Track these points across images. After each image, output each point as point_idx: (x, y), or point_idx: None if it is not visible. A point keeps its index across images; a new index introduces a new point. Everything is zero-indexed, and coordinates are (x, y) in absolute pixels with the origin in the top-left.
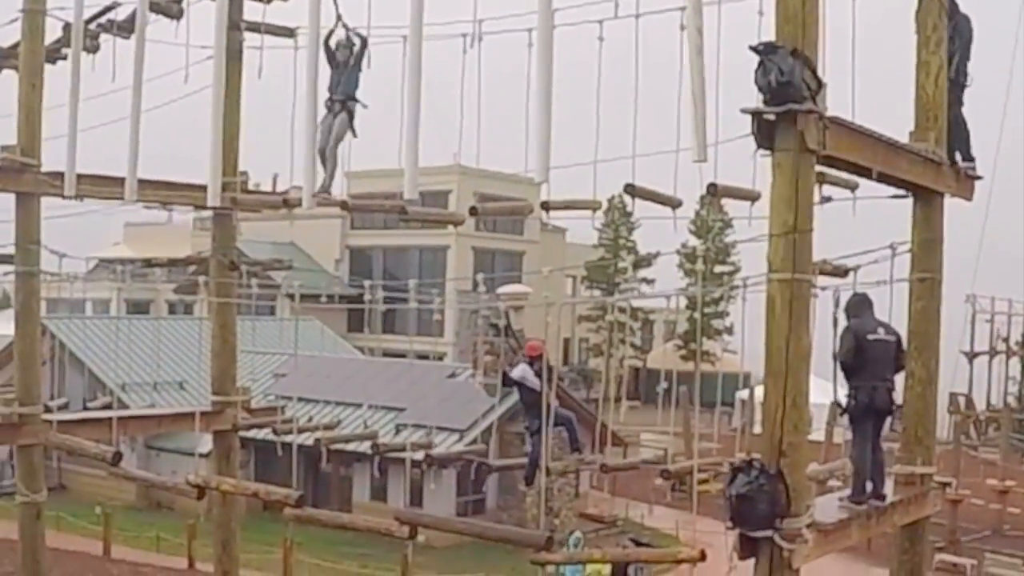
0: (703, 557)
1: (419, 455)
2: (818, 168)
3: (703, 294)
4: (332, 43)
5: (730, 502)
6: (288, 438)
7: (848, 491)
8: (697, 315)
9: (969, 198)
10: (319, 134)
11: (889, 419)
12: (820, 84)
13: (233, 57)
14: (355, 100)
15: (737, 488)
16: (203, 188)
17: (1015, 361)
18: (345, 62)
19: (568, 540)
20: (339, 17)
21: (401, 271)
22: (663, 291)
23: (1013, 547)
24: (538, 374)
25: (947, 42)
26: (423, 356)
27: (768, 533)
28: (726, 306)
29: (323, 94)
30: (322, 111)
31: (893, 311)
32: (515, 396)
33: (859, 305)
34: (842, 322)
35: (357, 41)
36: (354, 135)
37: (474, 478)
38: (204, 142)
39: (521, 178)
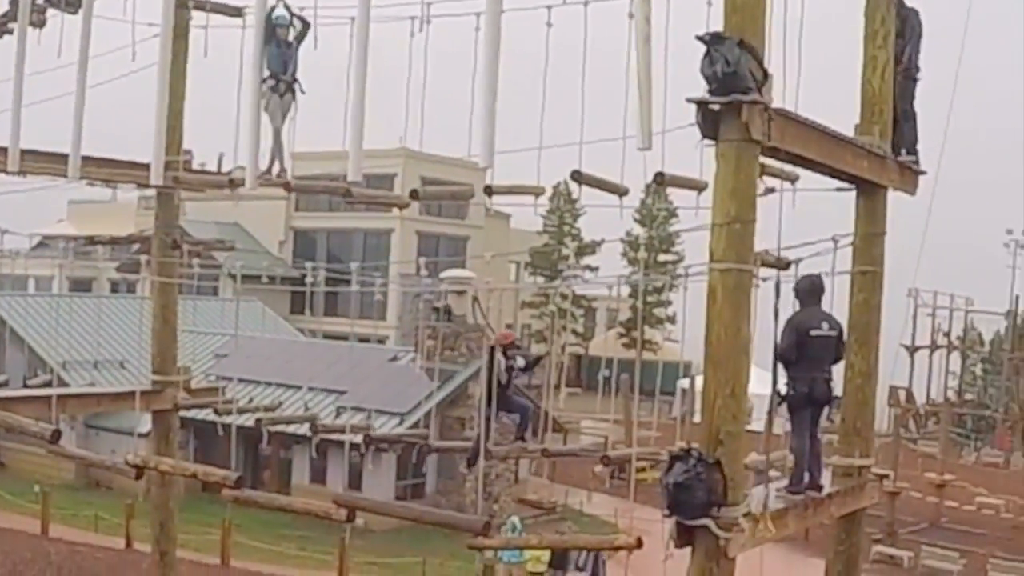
0: (640, 544)
1: (358, 437)
2: (761, 159)
3: (646, 283)
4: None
5: (667, 490)
6: (228, 419)
7: (786, 481)
8: (639, 303)
9: (912, 192)
10: (272, 115)
11: (827, 409)
12: (766, 75)
13: (179, 35)
14: (298, 82)
15: (675, 476)
16: (147, 167)
17: (956, 356)
18: (286, 41)
19: (506, 525)
20: None
21: (345, 254)
22: (606, 278)
23: (950, 540)
24: (508, 368)
25: (897, 36)
26: (365, 339)
27: (705, 522)
28: (669, 295)
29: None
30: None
31: (834, 303)
32: (456, 381)
33: (809, 292)
34: (783, 313)
35: (299, 24)
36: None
37: (415, 461)
38: (149, 120)
39: (467, 163)
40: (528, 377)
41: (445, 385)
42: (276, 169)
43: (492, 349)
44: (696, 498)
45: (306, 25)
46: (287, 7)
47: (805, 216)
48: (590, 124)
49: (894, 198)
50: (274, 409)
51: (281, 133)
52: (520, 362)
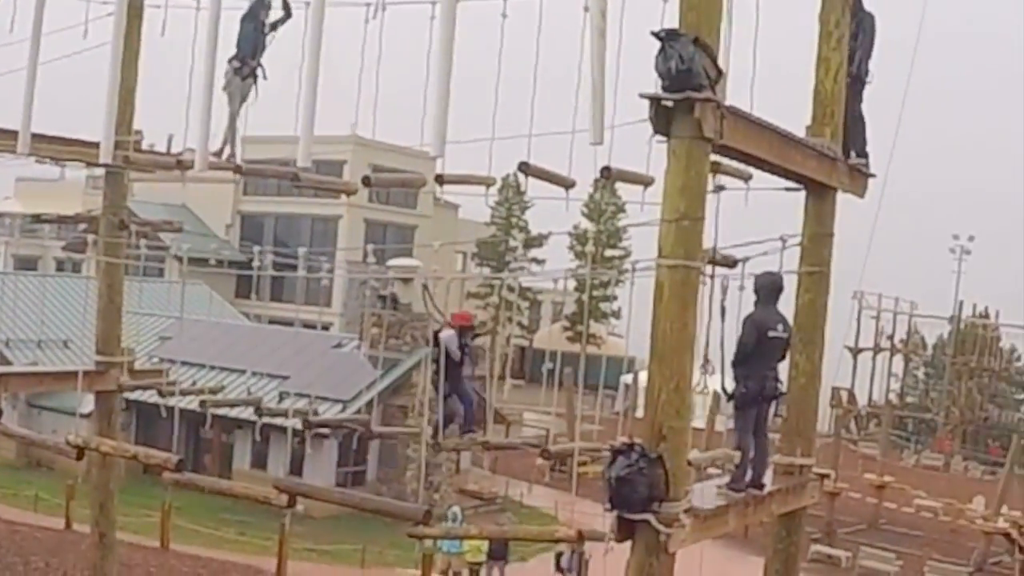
0: (580, 537)
1: (298, 422)
2: (713, 157)
3: (592, 277)
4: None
5: (609, 484)
6: (171, 401)
7: (727, 478)
8: (586, 297)
9: (861, 195)
10: (230, 98)
11: (774, 404)
12: (720, 73)
13: (134, 14)
14: (262, 67)
15: (617, 471)
16: (97, 145)
17: (899, 359)
18: (263, 23)
19: (447, 515)
20: None
21: (292, 239)
22: (553, 271)
23: (888, 541)
24: (463, 346)
25: (850, 39)
26: (310, 325)
27: (646, 516)
28: (614, 290)
29: (225, 53)
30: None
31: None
32: (400, 369)
33: (769, 290)
34: (730, 311)
35: (281, 10)
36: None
37: (356, 447)
38: (101, 98)
39: (417, 152)
40: (472, 368)
41: (389, 373)
42: (227, 152)
43: (436, 334)
44: (638, 493)
45: (288, 13)
46: None
47: (755, 215)
48: (544, 117)
49: (842, 200)
50: (217, 392)
51: (237, 117)
52: (472, 341)
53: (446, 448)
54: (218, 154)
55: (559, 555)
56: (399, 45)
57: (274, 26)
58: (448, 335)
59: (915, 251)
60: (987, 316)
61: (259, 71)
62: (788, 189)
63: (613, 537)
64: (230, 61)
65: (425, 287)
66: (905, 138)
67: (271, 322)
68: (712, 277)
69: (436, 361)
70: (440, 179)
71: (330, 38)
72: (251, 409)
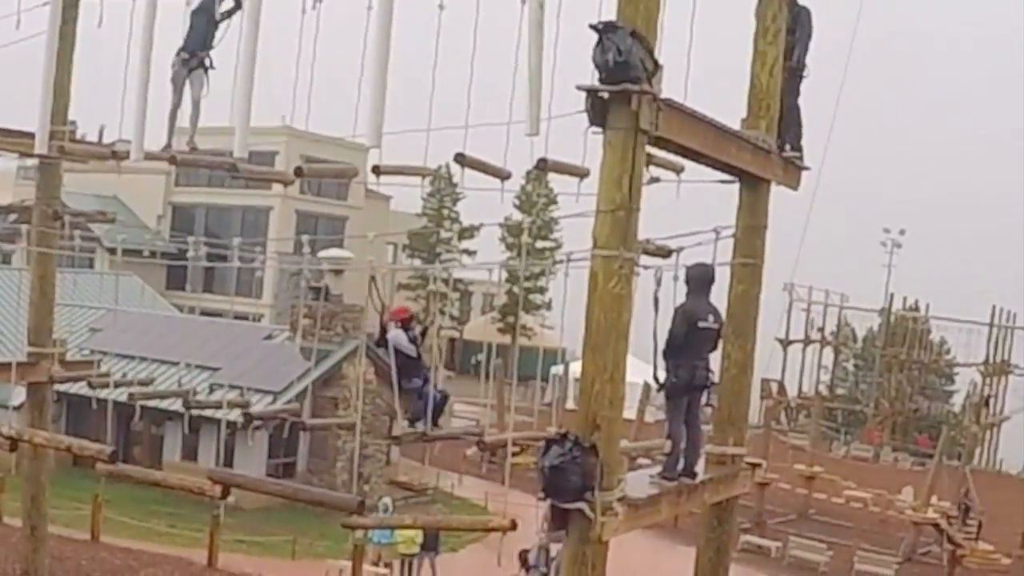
0: (514, 527)
1: (233, 414)
2: (648, 149)
3: (527, 267)
4: None
5: (543, 473)
6: (103, 393)
7: (659, 467)
8: (517, 289)
9: (795, 187)
10: (177, 90)
11: (705, 393)
12: (657, 66)
13: (70, 4)
14: (210, 58)
15: (550, 460)
16: (31, 135)
17: (829, 351)
18: (214, 15)
19: (377, 506)
20: None
21: (224, 230)
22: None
23: (818, 531)
24: (412, 338)
25: (788, 33)
26: (242, 317)
27: (579, 505)
28: (546, 281)
29: (167, 44)
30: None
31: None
32: (331, 360)
33: (699, 281)
34: (663, 303)
35: (231, 1)
36: None
37: (287, 436)
38: (34, 89)
39: (350, 144)
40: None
41: (320, 364)
42: (165, 143)
43: (383, 331)
44: (571, 481)
45: (238, 4)
46: None
47: (690, 207)
48: (482, 108)
49: (777, 193)
50: (148, 384)
51: (179, 108)
52: (418, 329)
53: (406, 442)
54: (168, 147)
55: (524, 552)
56: (334, 35)
57: (226, 15)
58: (395, 334)
59: (848, 246)
60: (917, 309)
61: (207, 62)
62: (723, 181)
63: (546, 526)
64: (178, 53)
65: (373, 279)
66: (842, 136)
67: (203, 314)
68: (645, 268)
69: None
70: (377, 170)
71: (266, 27)
72: (181, 401)
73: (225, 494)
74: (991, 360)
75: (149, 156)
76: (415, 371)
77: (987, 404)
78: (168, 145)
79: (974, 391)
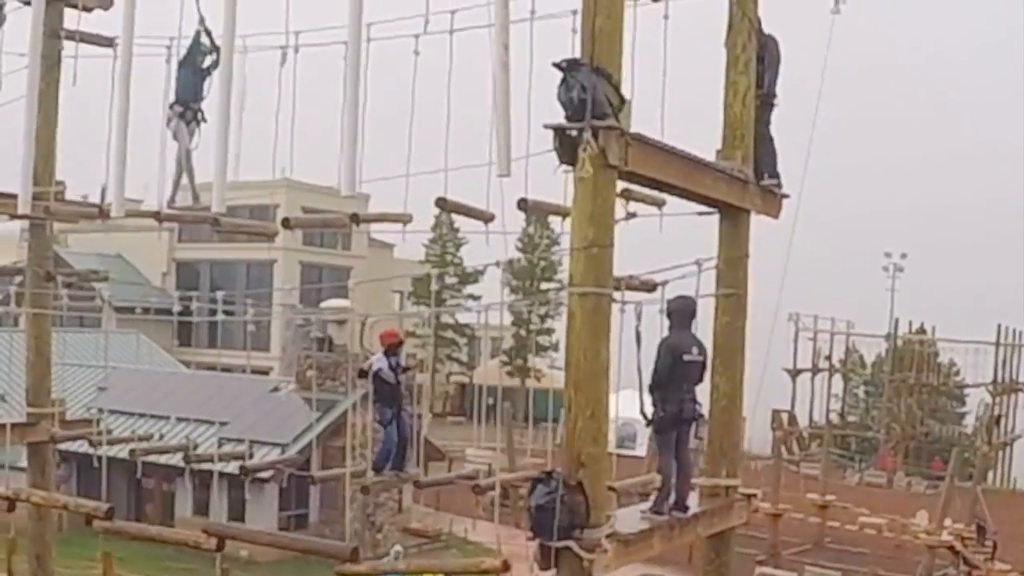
0: (506, 567)
1: (234, 467)
2: (625, 185)
3: (528, 308)
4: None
5: (530, 513)
6: (105, 451)
7: (650, 502)
8: (523, 332)
9: (775, 216)
10: (182, 142)
11: (694, 425)
12: (623, 101)
13: (51, 65)
14: (202, 111)
15: (537, 499)
16: (16, 197)
17: (838, 378)
18: (203, 68)
19: (389, 554)
20: (202, 20)
21: (228, 284)
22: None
23: (833, 560)
24: (395, 366)
25: (757, 62)
26: (254, 371)
27: (568, 543)
28: (552, 323)
29: (150, 98)
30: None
31: (700, 326)
32: (337, 410)
33: (681, 314)
34: (645, 337)
35: (215, 52)
36: None
37: (297, 490)
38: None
39: (354, 194)
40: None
41: (327, 415)
42: (181, 197)
43: (363, 370)
44: (558, 520)
45: (218, 51)
46: (208, 33)
47: (676, 240)
48: (462, 151)
49: (772, 226)
50: (149, 440)
51: (186, 162)
52: (404, 358)
53: (374, 490)
54: (172, 200)
55: None
56: (324, 87)
57: (211, 67)
58: (376, 359)
59: (851, 271)
60: (923, 332)
61: (199, 115)
62: (701, 213)
63: (537, 566)
64: (172, 107)
65: (363, 324)
66: (836, 161)
67: (211, 369)
68: (625, 304)
69: (374, 392)
70: (356, 218)
71: (259, 83)
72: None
73: (220, 546)
74: (999, 379)
75: (131, 213)
76: (390, 401)
77: (998, 423)
78: (172, 198)
79: (984, 412)
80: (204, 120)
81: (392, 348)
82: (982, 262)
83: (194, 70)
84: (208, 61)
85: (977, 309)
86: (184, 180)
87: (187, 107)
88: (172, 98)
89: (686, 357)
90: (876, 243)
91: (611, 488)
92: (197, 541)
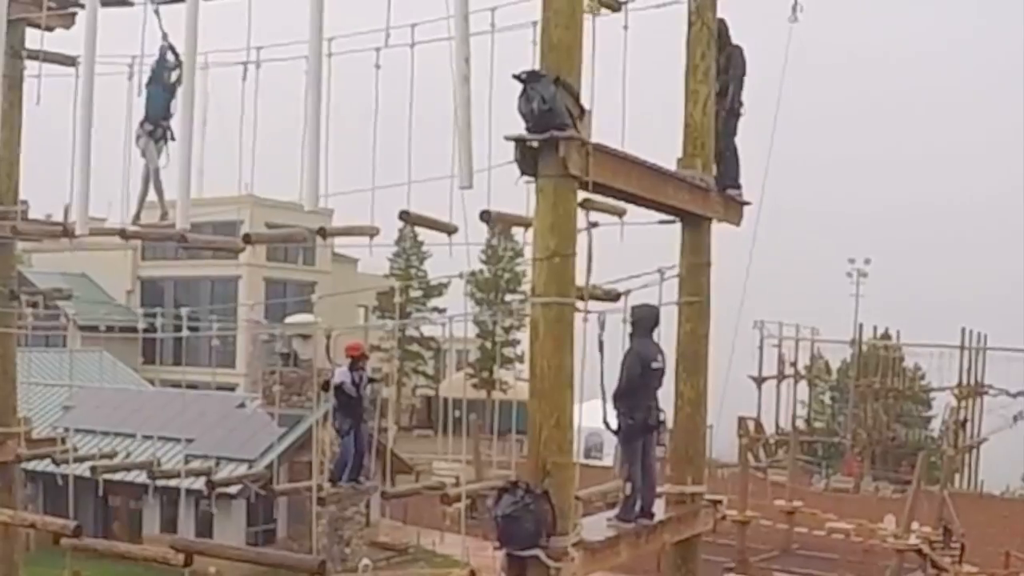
0: None
1: (201, 483)
2: (586, 195)
3: (491, 320)
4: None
5: (496, 523)
6: (70, 470)
7: (617, 510)
8: (489, 344)
9: (737, 223)
10: (149, 158)
11: (656, 433)
12: (583, 111)
13: (14, 85)
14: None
15: (503, 508)
16: None
17: (804, 385)
18: (171, 84)
19: (357, 568)
20: (165, 35)
21: (193, 302)
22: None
23: (801, 565)
24: (358, 380)
25: (721, 73)
26: (221, 387)
27: (534, 552)
28: (517, 334)
29: (112, 117)
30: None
31: (663, 333)
32: (304, 426)
33: (644, 322)
34: (607, 346)
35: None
36: None
37: (264, 506)
38: None
39: (317, 209)
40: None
41: (293, 430)
42: (160, 213)
43: (326, 384)
44: (525, 529)
45: (181, 66)
46: (173, 50)
47: (637, 249)
48: (426, 163)
49: (740, 233)
50: (113, 458)
51: (156, 179)
52: (368, 373)
53: (330, 501)
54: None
55: None
56: (288, 102)
57: (177, 83)
58: (339, 372)
59: (815, 277)
60: (888, 337)
61: (168, 133)
62: (663, 222)
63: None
64: (142, 124)
65: (328, 336)
66: (799, 163)
67: (177, 386)
68: (587, 313)
69: (335, 403)
70: (323, 232)
71: (222, 99)
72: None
73: (188, 562)
74: (964, 383)
75: (96, 232)
76: (350, 414)
77: (963, 427)
78: (137, 216)
79: (950, 415)
80: (173, 138)
81: (357, 361)
82: (946, 264)
83: (164, 87)
84: (174, 76)
85: (941, 312)
86: (152, 197)
87: (157, 124)
88: (142, 116)
89: (653, 364)
90: (840, 246)
91: (577, 497)
92: (165, 557)
